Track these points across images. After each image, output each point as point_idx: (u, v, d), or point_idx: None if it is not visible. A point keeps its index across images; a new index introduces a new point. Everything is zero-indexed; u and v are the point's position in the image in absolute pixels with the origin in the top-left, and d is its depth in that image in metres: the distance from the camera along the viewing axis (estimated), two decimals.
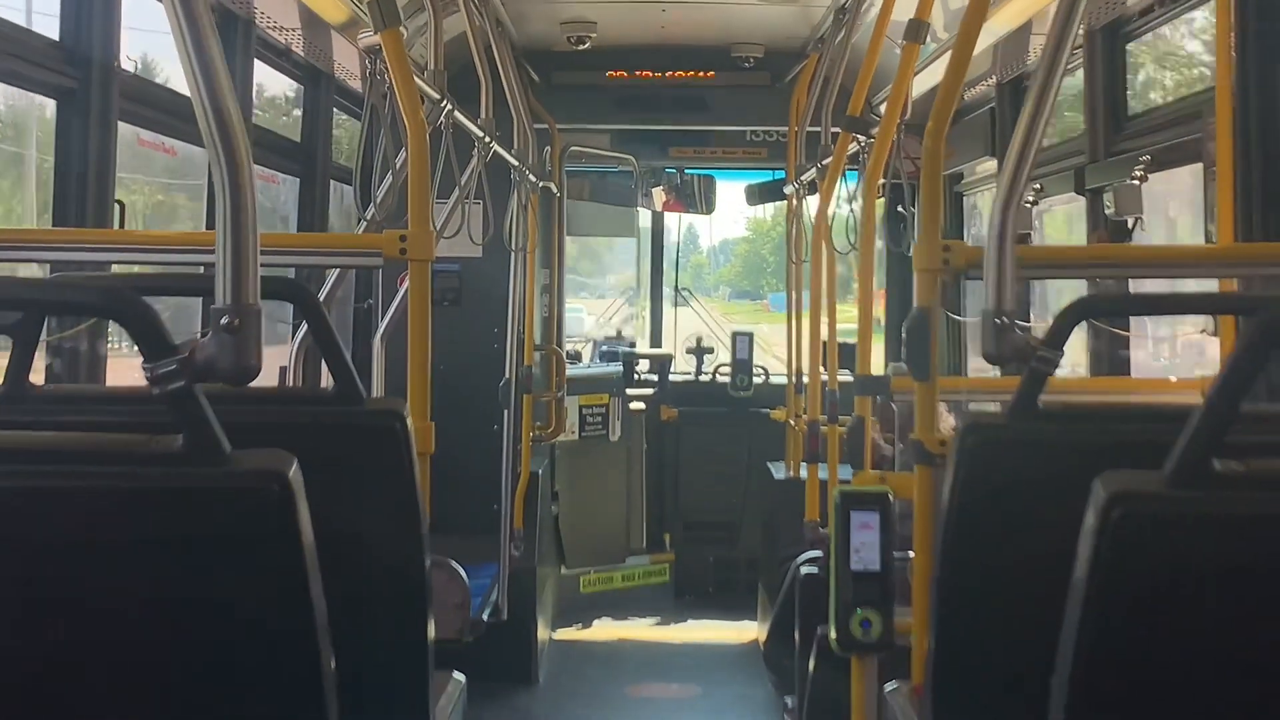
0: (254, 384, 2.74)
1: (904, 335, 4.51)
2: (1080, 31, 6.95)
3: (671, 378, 13.10)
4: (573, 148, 11.55)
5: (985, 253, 3.68)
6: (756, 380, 12.39)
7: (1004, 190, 3.66)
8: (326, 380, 3.81)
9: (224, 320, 2.50)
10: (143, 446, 2.36)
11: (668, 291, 14.02)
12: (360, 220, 6.39)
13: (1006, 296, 3.62)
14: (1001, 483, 3.46)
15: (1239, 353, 2.27)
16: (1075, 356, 7.24)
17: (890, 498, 4.92)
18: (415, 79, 5.21)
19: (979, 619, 3.56)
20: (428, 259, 4.54)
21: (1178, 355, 7.45)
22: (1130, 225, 6.36)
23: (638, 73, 11.28)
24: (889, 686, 4.56)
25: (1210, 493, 2.25)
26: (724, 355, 12.96)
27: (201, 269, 4.64)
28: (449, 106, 6.24)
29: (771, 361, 13.57)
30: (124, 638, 2.38)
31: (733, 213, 13.55)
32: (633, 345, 13.49)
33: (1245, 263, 4.51)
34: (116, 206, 5.50)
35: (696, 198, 13.02)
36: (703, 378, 13.19)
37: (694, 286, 14.35)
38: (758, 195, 13.14)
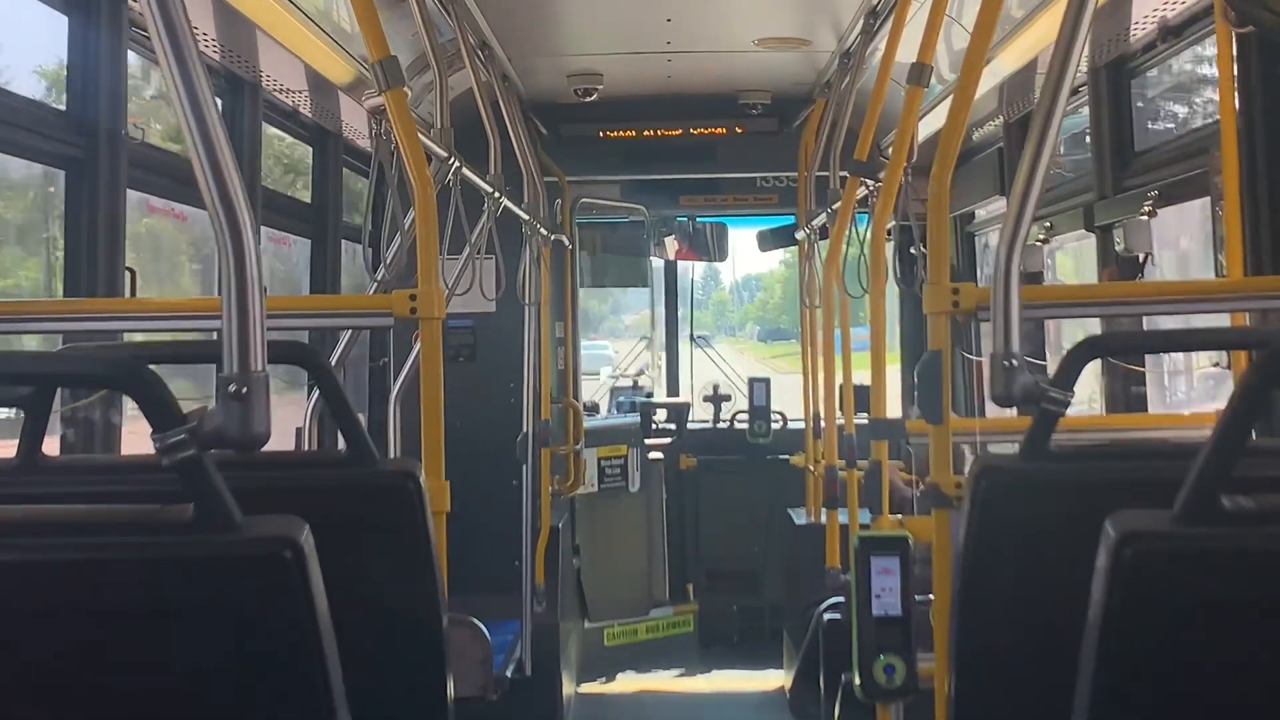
0: (270, 446, 2.74)
1: (916, 379, 4.50)
2: (1084, 69, 6.97)
3: (689, 426, 13.10)
4: (583, 200, 11.58)
5: (991, 294, 3.67)
6: (775, 426, 12.37)
7: (1009, 231, 3.66)
8: (344, 441, 3.81)
9: (231, 388, 2.50)
10: (153, 517, 2.36)
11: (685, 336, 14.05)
12: (372, 282, 6.41)
13: (1013, 338, 3.62)
14: (1016, 524, 3.44)
15: (1242, 389, 2.26)
16: (1091, 392, 7.23)
17: (910, 542, 4.90)
18: (422, 137, 5.23)
19: (998, 661, 3.55)
20: (438, 317, 4.55)
21: (1194, 389, 7.43)
22: (1141, 260, 6.36)
23: (646, 123, 11.32)
24: None
25: (1220, 529, 2.24)
26: (741, 402, 12.95)
27: (215, 335, 4.65)
28: (456, 164, 6.26)
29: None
30: (138, 709, 2.37)
31: (754, 247, 13.47)
32: (650, 394, 13.49)
33: (1256, 296, 4.50)
34: (127, 274, 5.53)
35: (709, 246, 13.06)
36: (720, 425, 13.18)
37: (717, 326, 14.36)
38: (769, 241, 13.17)
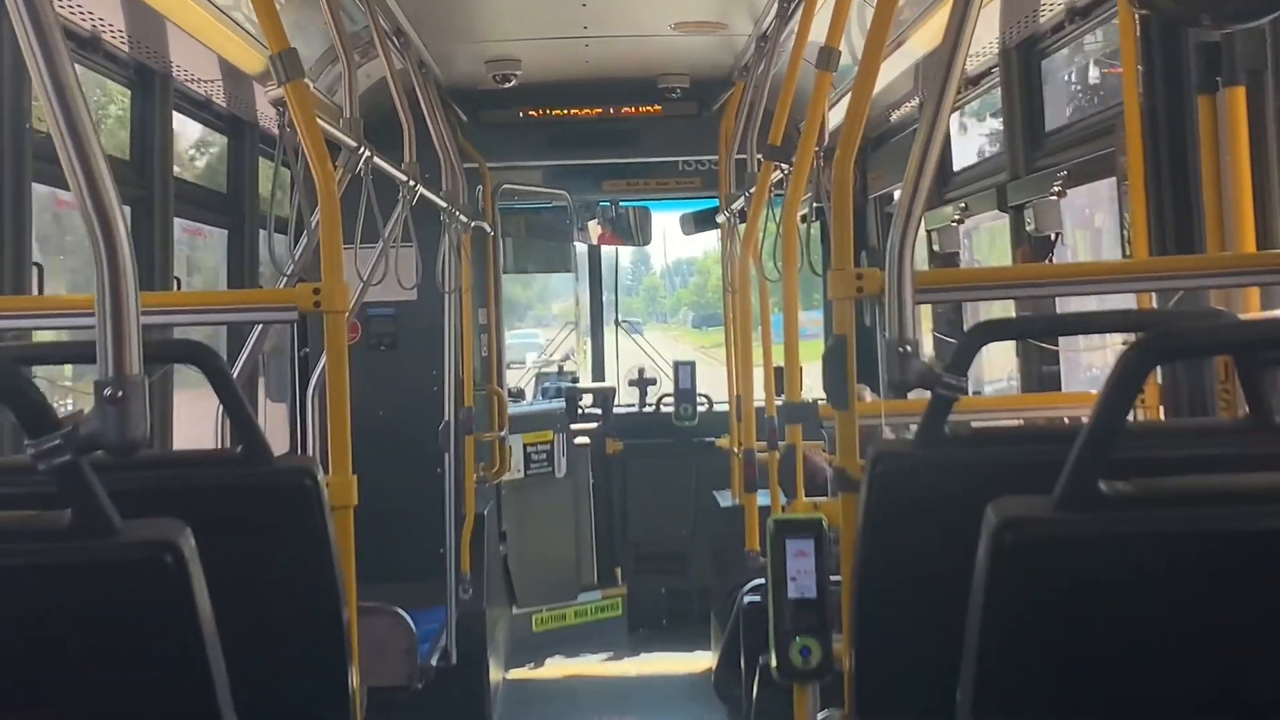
0: (191, 444, 2.72)
1: (822, 364, 4.51)
2: (995, 50, 7.00)
3: (615, 410, 13.09)
4: (505, 185, 11.55)
5: (885, 280, 3.68)
6: (701, 409, 12.38)
7: (901, 216, 3.67)
8: (236, 439, 3.78)
9: (106, 391, 2.47)
10: (31, 523, 2.34)
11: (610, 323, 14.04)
12: (280, 275, 6.37)
13: (908, 323, 3.63)
14: (910, 507, 3.47)
15: (1116, 375, 2.29)
16: (1011, 370, 7.28)
17: (824, 524, 4.92)
18: (330, 127, 5.20)
19: (894, 643, 3.58)
20: (343, 310, 4.53)
21: (1108, 367, 7.48)
22: (1052, 240, 6.40)
23: (566, 108, 11.30)
24: (823, 714, 4.56)
25: (1097, 514, 2.26)
26: (667, 385, 12.95)
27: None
28: (367, 153, 6.23)
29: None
30: (15, 713, 2.35)
31: (681, 238, 13.50)
32: (576, 380, 13.48)
33: (1158, 276, 4.53)
34: (34, 270, 5.47)
35: (632, 230, 13.06)
36: (647, 409, 13.19)
37: (649, 312, 14.34)
38: (692, 224, 13.18)
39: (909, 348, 3.59)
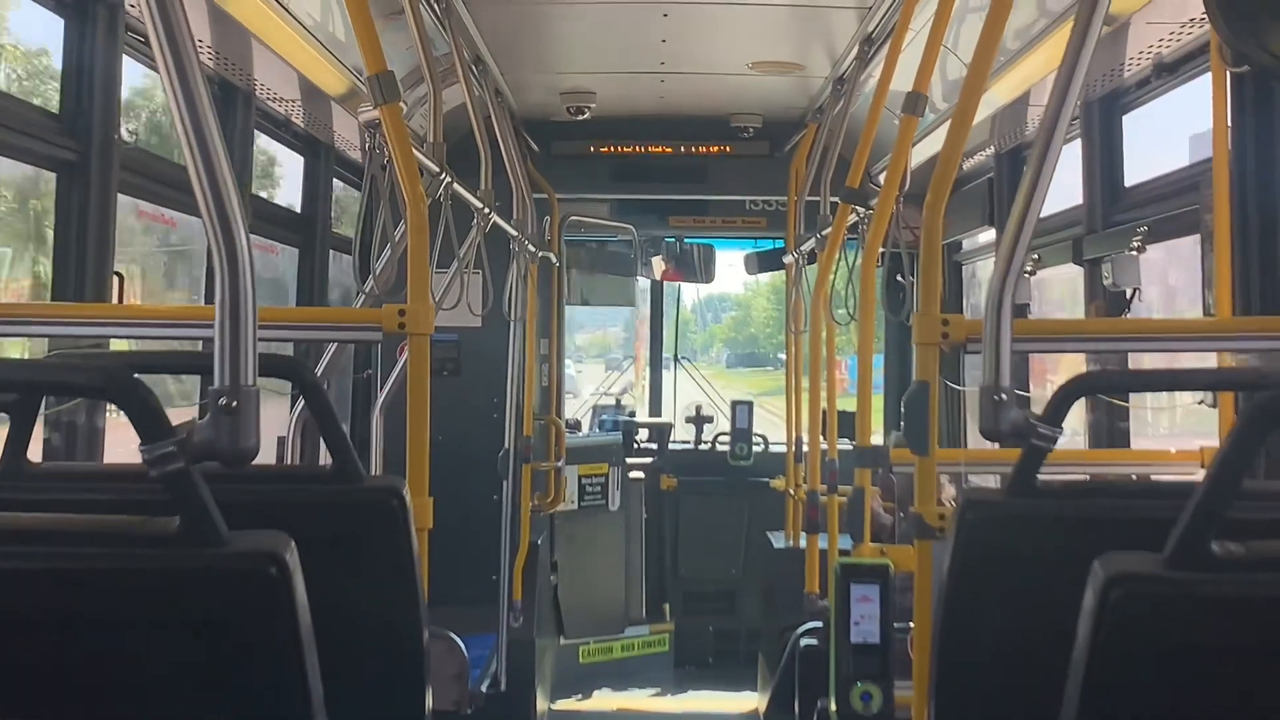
0: (260, 463, 2.73)
1: (903, 409, 4.50)
2: (1077, 103, 6.98)
3: (671, 446, 13.09)
4: (572, 217, 11.57)
5: (984, 327, 3.66)
6: (756, 449, 12.37)
7: (1002, 263, 3.65)
8: (325, 451, 3.79)
9: (221, 401, 2.49)
10: (139, 528, 2.35)
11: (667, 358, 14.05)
12: (359, 293, 6.39)
13: (1004, 371, 3.61)
14: (1000, 558, 3.44)
15: (1237, 432, 2.26)
16: (1075, 425, 7.24)
17: (890, 570, 4.90)
18: (415, 152, 5.22)
19: (978, 694, 3.54)
20: (427, 333, 4.54)
21: (1177, 425, 7.43)
22: (1129, 296, 6.37)
23: (637, 143, 11.32)
24: None
25: (1208, 575, 2.24)
26: (724, 424, 12.94)
27: (200, 344, 4.63)
28: (448, 179, 6.25)
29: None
30: (116, 718, 2.36)
31: (724, 266, 13.49)
32: (632, 414, 13.49)
33: (1243, 336, 4.49)
34: (115, 279, 5.51)
35: (696, 267, 13.06)
36: (702, 446, 13.18)
37: (680, 349, 14.31)
38: (757, 264, 13.16)
39: (1004, 396, 3.57)
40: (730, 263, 13.49)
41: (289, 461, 6.55)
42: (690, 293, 14.86)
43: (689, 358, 14.28)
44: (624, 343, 15.35)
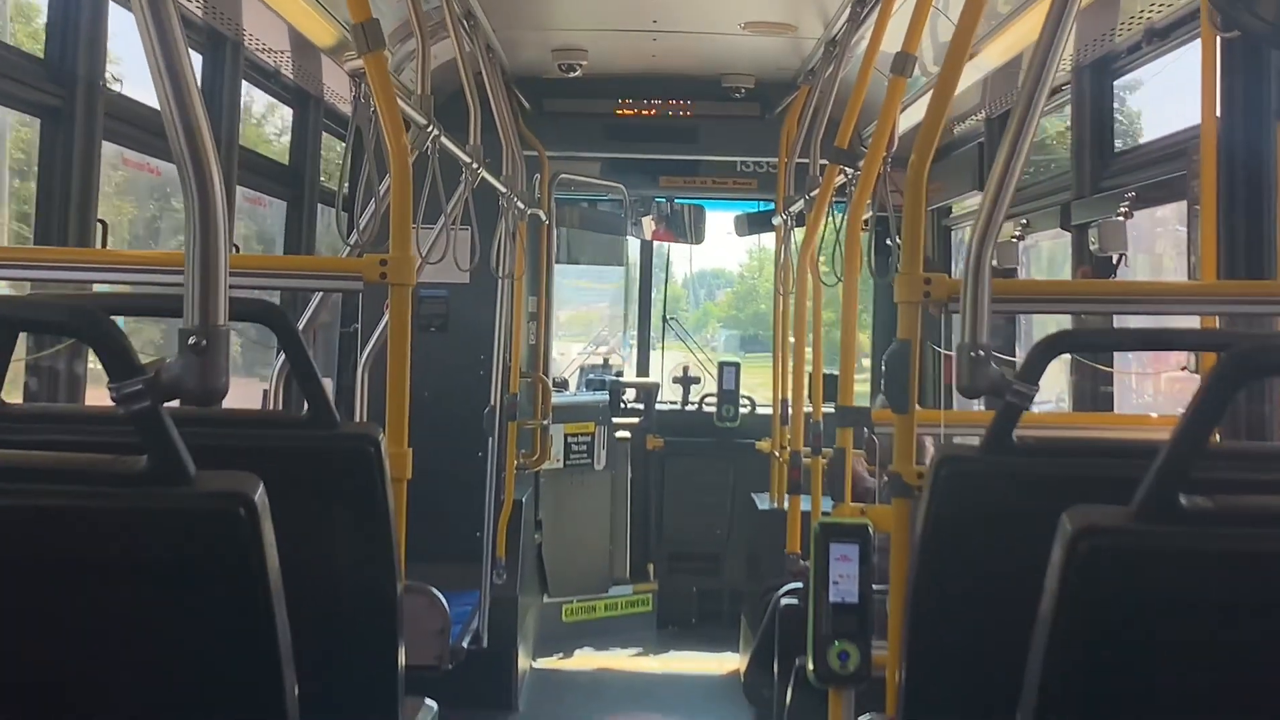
0: (236, 408, 2.72)
1: (884, 367, 4.50)
2: (1068, 68, 6.97)
3: (658, 407, 13.08)
4: (562, 175, 11.55)
5: (962, 285, 3.67)
6: (743, 411, 12.37)
7: (982, 222, 3.65)
8: (306, 403, 3.78)
9: (191, 340, 2.48)
10: (106, 466, 2.34)
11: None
12: (345, 245, 6.38)
13: (982, 330, 3.61)
14: (974, 515, 3.45)
15: (1205, 389, 2.26)
16: (1060, 390, 7.25)
17: (870, 530, 4.90)
18: (401, 104, 5.20)
19: (949, 650, 3.55)
20: (409, 284, 4.53)
21: (1161, 393, 7.44)
22: (1115, 261, 6.37)
23: (628, 101, 11.29)
24: (864, 719, 4.53)
25: (1176, 528, 2.24)
26: (711, 385, 12.94)
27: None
28: (435, 132, 6.23)
29: None
30: (80, 659, 2.35)
31: (721, 239, 13.44)
32: (620, 374, 13.48)
33: (1227, 300, 4.50)
34: (99, 225, 5.50)
35: (686, 227, 13.06)
36: (689, 408, 13.18)
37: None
38: (747, 225, 13.14)
39: (982, 353, 3.57)
40: (723, 228, 13.48)
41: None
42: (681, 265, 14.82)
43: (680, 336, 14.17)
44: (611, 320, 15.25)
